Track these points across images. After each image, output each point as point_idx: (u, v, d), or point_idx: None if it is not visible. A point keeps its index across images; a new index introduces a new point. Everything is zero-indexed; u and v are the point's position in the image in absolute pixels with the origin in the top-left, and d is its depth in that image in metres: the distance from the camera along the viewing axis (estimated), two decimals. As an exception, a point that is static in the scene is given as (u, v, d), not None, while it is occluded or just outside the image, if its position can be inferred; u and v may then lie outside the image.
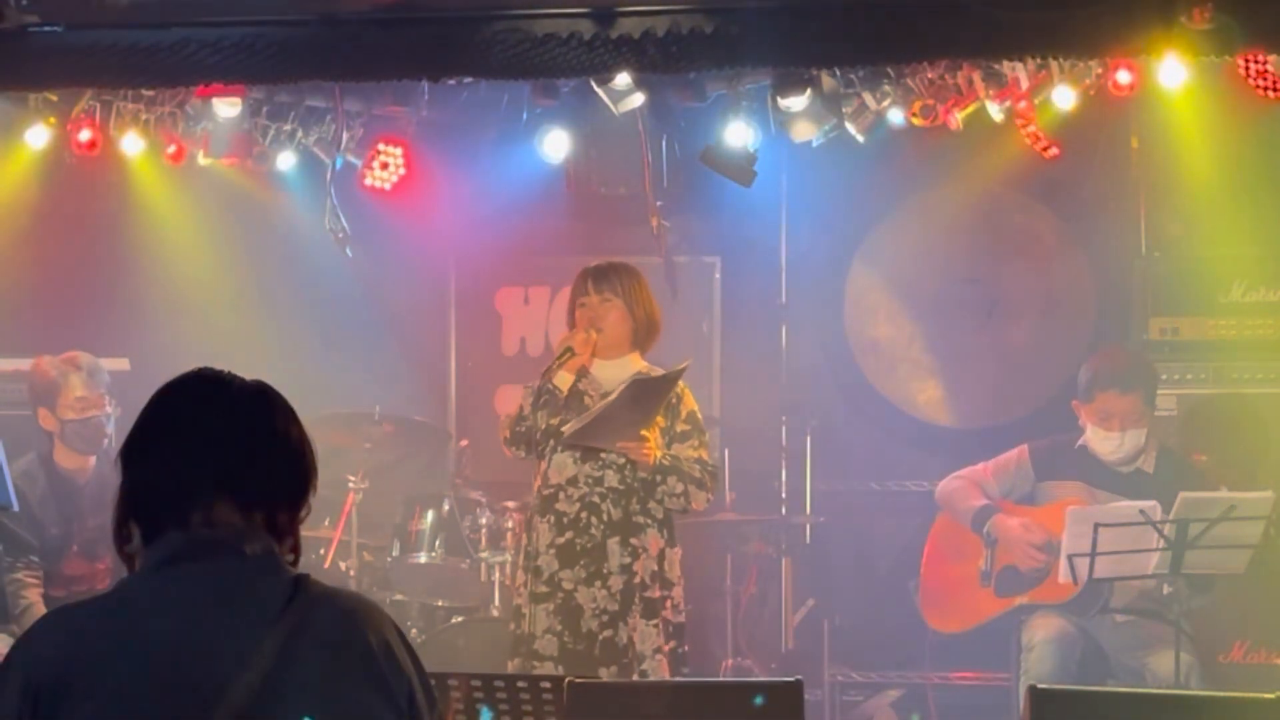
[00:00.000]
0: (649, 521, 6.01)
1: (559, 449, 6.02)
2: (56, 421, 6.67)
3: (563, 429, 5.99)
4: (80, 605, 2.51)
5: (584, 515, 5.99)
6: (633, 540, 5.98)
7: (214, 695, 2.38)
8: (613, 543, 5.97)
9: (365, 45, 5.00)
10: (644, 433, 5.94)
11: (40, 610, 6.44)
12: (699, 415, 6.14)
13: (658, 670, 5.94)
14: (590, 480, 6.00)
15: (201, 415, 2.52)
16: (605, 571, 5.95)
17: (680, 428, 6.06)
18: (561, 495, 6.02)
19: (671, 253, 8.08)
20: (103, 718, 2.39)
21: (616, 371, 6.07)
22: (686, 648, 6.16)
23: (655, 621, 5.98)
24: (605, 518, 5.98)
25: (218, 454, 2.50)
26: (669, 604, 6.03)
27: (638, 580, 5.96)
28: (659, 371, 6.08)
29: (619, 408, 5.88)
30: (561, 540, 5.99)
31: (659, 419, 6.02)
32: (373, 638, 2.50)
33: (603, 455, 6.00)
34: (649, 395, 5.93)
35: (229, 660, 2.40)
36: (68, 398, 6.65)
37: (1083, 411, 6.54)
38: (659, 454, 5.96)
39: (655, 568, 6.01)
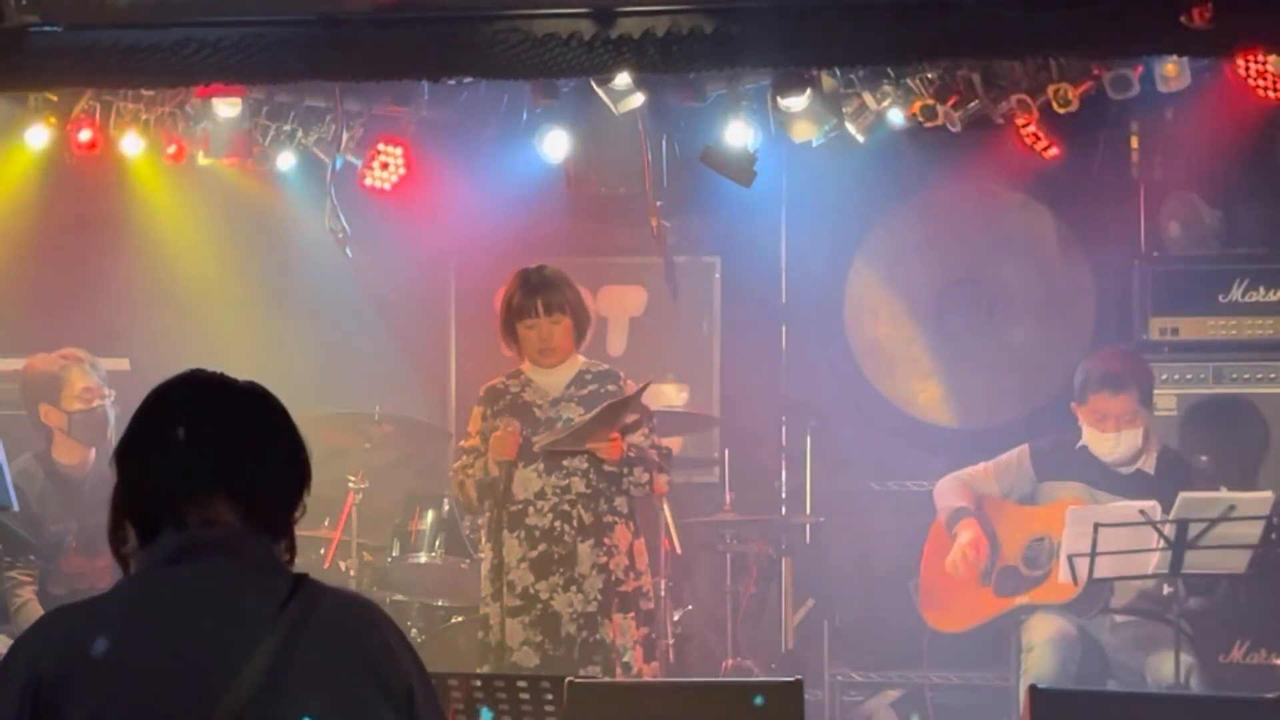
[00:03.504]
0: (616, 519, 6.14)
1: (521, 465, 6.10)
2: (62, 415, 6.69)
3: (534, 439, 6.07)
4: (80, 605, 2.52)
5: (557, 524, 6.08)
6: (605, 540, 6.09)
7: (214, 694, 2.38)
8: (585, 546, 6.06)
9: (365, 45, 5.00)
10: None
11: (35, 608, 6.45)
12: (643, 403, 6.26)
13: (635, 660, 6.07)
14: (558, 490, 6.10)
15: (198, 415, 2.52)
16: (579, 575, 6.04)
17: (628, 418, 6.15)
18: (531, 510, 6.10)
19: (671, 253, 8.08)
20: (103, 717, 2.39)
21: (560, 376, 6.22)
22: (654, 635, 6.30)
23: (632, 614, 6.10)
24: (577, 523, 6.08)
25: (215, 454, 2.50)
26: (641, 593, 6.15)
27: (613, 578, 6.07)
28: (601, 366, 6.31)
29: (592, 424, 6.00)
30: (534, 554, 6.08)
31: None
32: (371, 636, 2.51)
33: (565, 463, 6.10)
34: (618, 412, 6.04)
35: (228, 659, 2.40)
36: (73, 389, 6.68)
37: (1079, 413, 6.55)
38: (623, 446, 6.07)
39: (627, 562, 6.13)
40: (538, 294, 6.11)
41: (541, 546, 6.07)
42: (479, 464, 6.14)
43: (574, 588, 6.03)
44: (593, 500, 6.10)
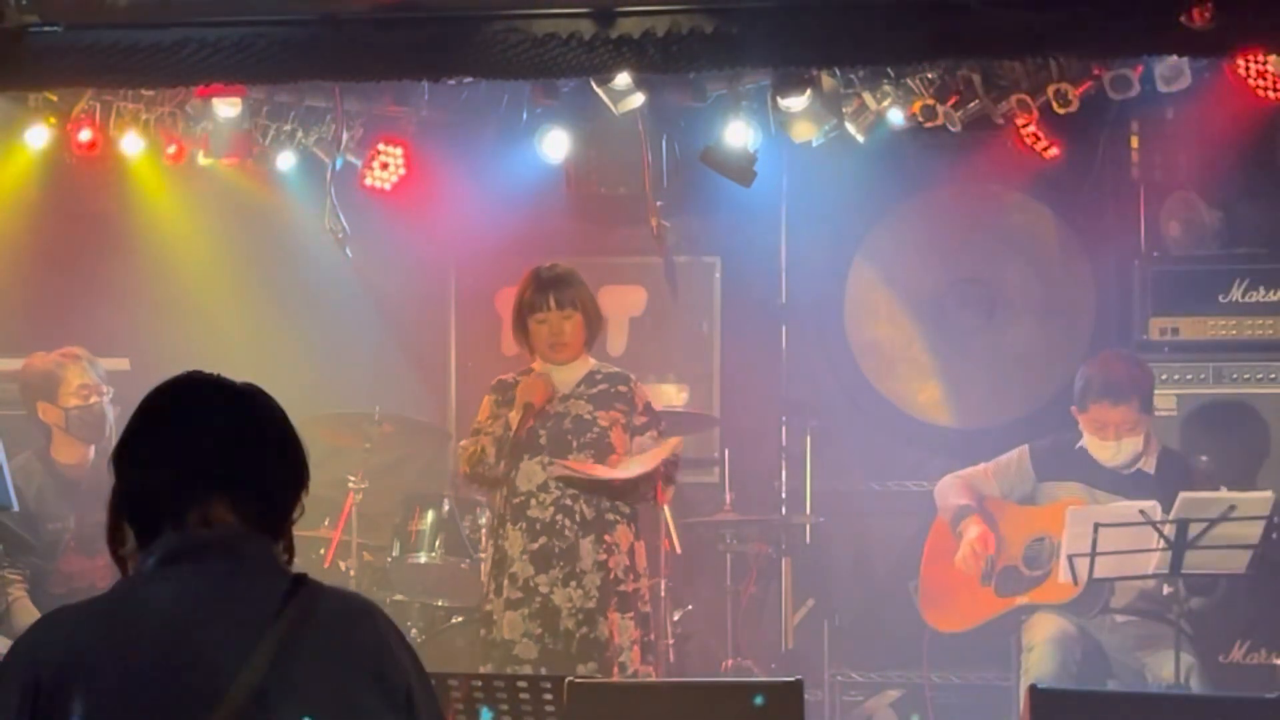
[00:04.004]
0: (618, 517, 6.16)
1: (526, 457, 6.12)
2: (59, 412, 6.70)
3: (540, 436, 6.11)
4: (80, 605, 2.52)
5: (558, 518, 6.10)
6: (606, 537, 6.12)
7: (213, 695, 2.38)
8: (586, 542, 6.09)
9: (365, 45, 5.00)
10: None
11: (25, 605, 6.46)
12: (652, 405, 6.34)
13: (632, 661, 6.09)
14: (561, 484, 6.11)
15: (196, 416, 2.52)
16: (580, 571, 6.06)
17: (638, 420, 6.23)
18: (533, 501, 6.12)
19: (671, 253, 8.09)
20: (103, 717, 2.39)
21: (571, 373, 6.25)
22: (652, 636, 6.33)
23: (630, 614, 6.12)
24: (579, 518, 6.10)
25: (214, 455, 2.50)
26: (639, 596, 6.18)
27: (613, 576, 6.09)
28: (612, 368, 6.37)
29: (605, 486, 6.09)
30: (535, 546, 6.09)
31: (618, 414, 6.19)
32: (371, 637, 2.51)
33: (570, 458, 6.12)
34: (638, 484, 6.15)
35: (228, 660, 2.40)
36: (70, 386, 6.69)
37: (1079, 420, 6.54)
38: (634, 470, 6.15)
39: (627, 562, 6.16)
40: (550, 289, 6.15)
41: (542, 539, 6.08)
42: (499, 422, 6.15)
43: (574, 583, 6.05)
44: (595, 496, 6.12)
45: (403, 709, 2.50)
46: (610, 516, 6.14)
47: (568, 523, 6.08)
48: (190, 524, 2.48)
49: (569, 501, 6.10)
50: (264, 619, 2.43)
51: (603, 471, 6.07)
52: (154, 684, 2.39)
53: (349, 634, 2.49)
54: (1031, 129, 7.16)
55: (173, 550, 2.48)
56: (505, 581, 6.11)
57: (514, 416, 6.12)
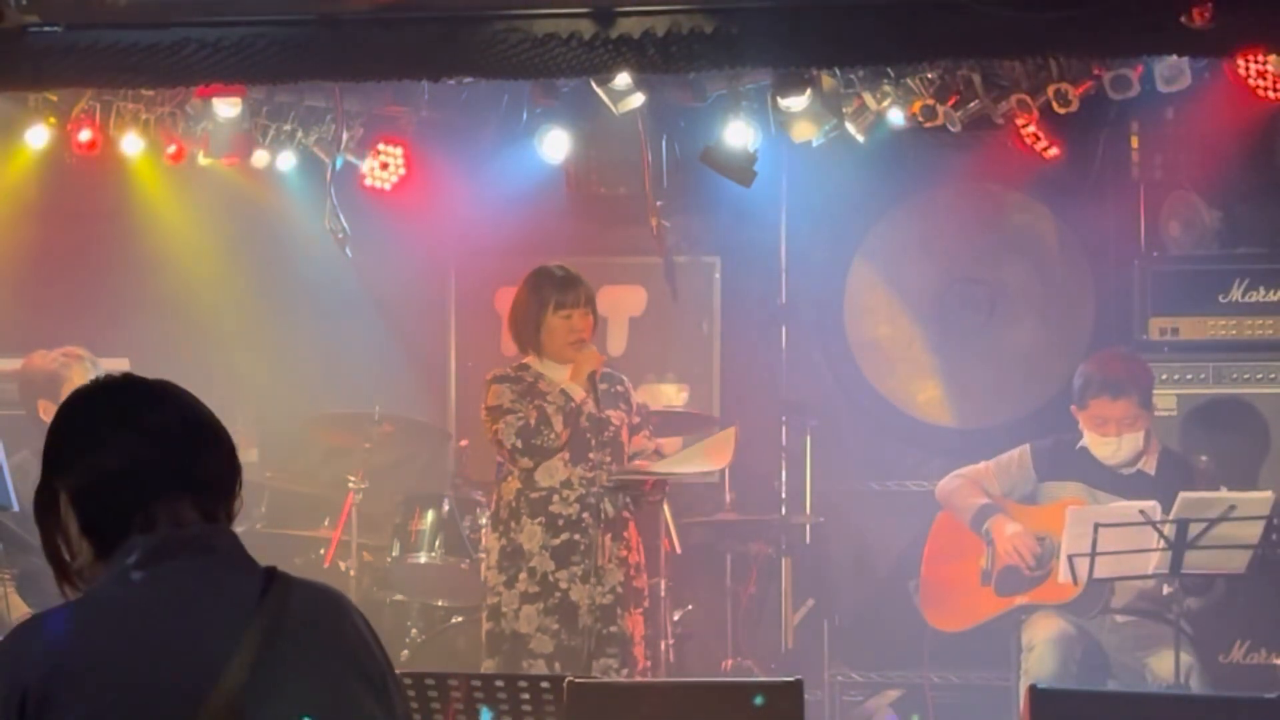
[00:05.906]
0: (630, 515, 6.29)
1: None
2: None
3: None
4: (58, 610, 2.49)
5: (585, 516, 6.18)
6: (625, 534, 6.23)
7: (200, 693, 2.37)
8: (607, 539, 6.17)
9: (365, 45, 5.00)
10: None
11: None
12: (643, 405, 6.54)
13: (639, 657, 6.22)
14: (585, 481, 6.19)
15: (147, 419, 2.51)
16: (601, 567, 6.12)
17: (634, 420, 6.39)
18: (556, 498, 6.19)
19: (671, 253, 8.09)
20: None
21: (566, 372, 6.31)
22: (651, 634, 6.45)
23: (640, 610, 6.25)
24: (602, 516, 6.18)
25: (173, 454, 2.49)
26: (644, 592, 6.32)
27: (630, 572, 6.21)
28: (604, 368, 6.46)
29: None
30: (557, 541, 6.16)
31: (622, 413, 6.34)
32: (348, 626, 2.51)
33: (590, 456, 6.20)
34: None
35: (212, 657, 2.39)
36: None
37: (1079, 417, 6.54)
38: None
39: (638, 558, 6.28)
40: (578, 285, 6.24)
41: (564, 535, 6.17)
42: (557, 392, 6.20)
43: (594, 579, 6.12)
44: (614, 494, 6.22)
45: (381, 696, 2.50)
46: (625, 514, 6.25)
47: (592, 520, 6.15)
48: (160, 525, 2.48)
49: (593, 500, 6.17)
50: (243, 613, 2.43)
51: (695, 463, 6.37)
52: (140, 686, 2.38)
53: (328, 624, 2.49)
54: (1031, 129, 7.17)
55: (150, 551, 2.46)
56: (522, 575, 6.14)
57: (577, 391, 6.19)
